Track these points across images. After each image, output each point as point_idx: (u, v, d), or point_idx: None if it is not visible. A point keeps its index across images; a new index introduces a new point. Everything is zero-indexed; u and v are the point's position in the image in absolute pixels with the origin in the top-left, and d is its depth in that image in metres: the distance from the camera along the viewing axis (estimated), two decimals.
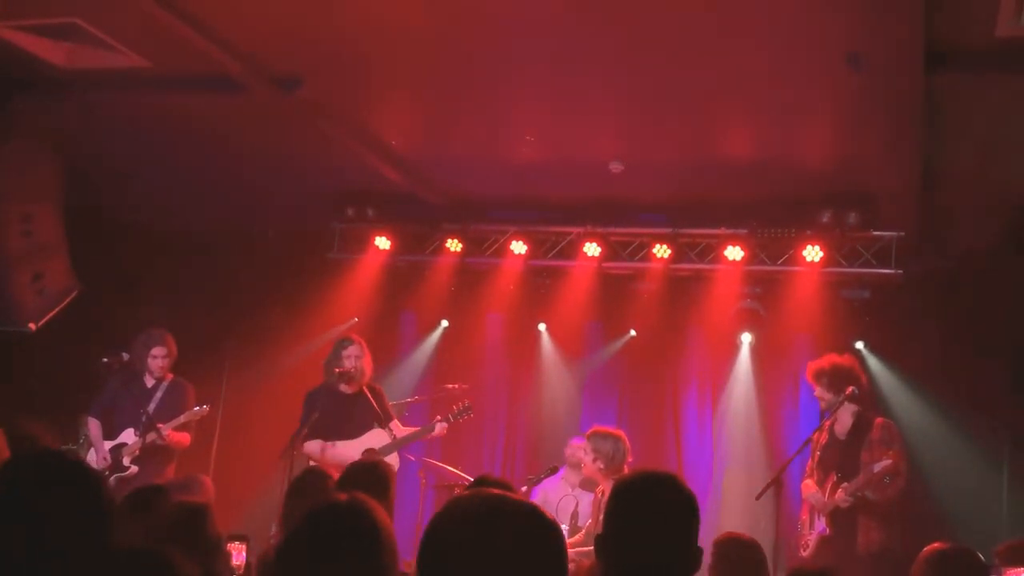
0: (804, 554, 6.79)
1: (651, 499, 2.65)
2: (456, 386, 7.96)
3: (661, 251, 8.25)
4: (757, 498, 6.21)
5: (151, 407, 7.37)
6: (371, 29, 5.70)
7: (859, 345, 8.13)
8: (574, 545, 6.53)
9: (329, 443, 7.08)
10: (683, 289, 8.55)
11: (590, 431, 6.77)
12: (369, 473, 4.52)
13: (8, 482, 2.41)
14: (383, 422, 7.09)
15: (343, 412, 7.12)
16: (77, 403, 7.69)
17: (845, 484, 6.60)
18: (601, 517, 2.73)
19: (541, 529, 1.88)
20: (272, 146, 7.73)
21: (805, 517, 6.92)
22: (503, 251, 8.69)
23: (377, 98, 6.91)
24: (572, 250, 8.54)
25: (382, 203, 8.74)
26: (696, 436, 8.76)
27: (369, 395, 7.16)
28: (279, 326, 8.97)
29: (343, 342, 7.29)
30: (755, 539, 4.55)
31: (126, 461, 7.26)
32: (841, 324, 8.07)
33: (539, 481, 7.06)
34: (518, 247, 8.61)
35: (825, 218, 7.78)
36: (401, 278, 9.03)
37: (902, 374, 8.00)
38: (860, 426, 6.82)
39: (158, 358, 7.54)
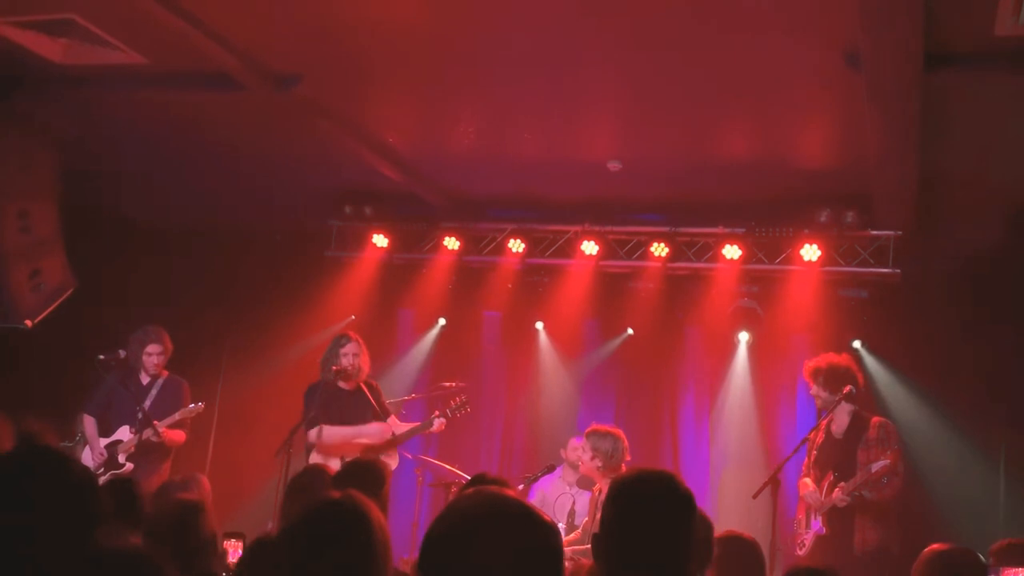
0: (800, 553, 6.78)
1: (648, 497, 2.64)
2: (453, 384, 7.95)
3: (659, 250, 8.25)
4: (754, 497, 6.23)
5: (147, 404, 7.37)
6: (370, 26, 5.69)
7: (856, 344, 8.14)
8: (571, 543, 6.54)
9: (327, 425, 6.92)
10: (681, 288, 8.55)
11: (589, 429, 6.76)
12: (364, 470, 4.57)
13: None
14: (381, 418, 7.09)
15: (341, 408, 7.11)
16: (73, 400, 7.69)
17: (842, 483, 6.59)
18: (598, 515, 2.72)
19: (539, 529, 1.89)
20: (270, 144, 7.73)
21: (801, 516, 6.92)
22: (501, 249, 8.68)
23: (375, 96, 6.89)
24: (570, 248, 8.53)
25: (380, 201, 8.74)
26: (693, 434, 8.77)
27: (367, 391, 7.16)
28: (276, 324, 8.94)
29: (340, 339, 7.27)
30: (754, 537, 4.54)
31: (121, 458, 7.26)
32: (838, 323, 8.08)
33: (536, 479, 7.05)
34: (516, 245, 8.60)
35: (823, 217, 7.79)
36: (398, 276, 9.01)
37: (899, 373, 8.01)
38: (857, 425, 6.81)
39: (153, 355, 7.54)
